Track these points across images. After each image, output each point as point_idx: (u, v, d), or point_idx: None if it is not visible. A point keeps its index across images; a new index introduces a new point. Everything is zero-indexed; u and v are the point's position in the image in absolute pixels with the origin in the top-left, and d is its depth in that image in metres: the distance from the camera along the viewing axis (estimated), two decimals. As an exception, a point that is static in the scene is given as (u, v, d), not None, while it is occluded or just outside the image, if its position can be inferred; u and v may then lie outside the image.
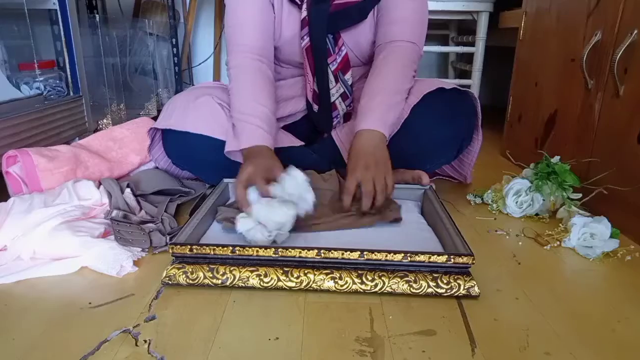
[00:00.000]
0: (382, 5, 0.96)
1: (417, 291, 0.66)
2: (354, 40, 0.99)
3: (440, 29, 2.17)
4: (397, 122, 0.92)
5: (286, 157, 0.97)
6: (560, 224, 0.91)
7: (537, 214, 0.97)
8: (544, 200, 0.95)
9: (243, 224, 0.75)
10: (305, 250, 0.66)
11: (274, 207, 0.74)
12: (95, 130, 1.40)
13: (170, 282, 0.68)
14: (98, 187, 0.90)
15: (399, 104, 0.91)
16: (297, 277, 0.66)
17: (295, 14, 0.97)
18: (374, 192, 0.79)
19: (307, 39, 0.96)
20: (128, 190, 0.91)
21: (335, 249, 0.66)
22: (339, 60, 0.98)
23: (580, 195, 0.94)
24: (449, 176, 1.19)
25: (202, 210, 0.81)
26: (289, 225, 0.75)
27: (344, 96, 1.00)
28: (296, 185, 0.76)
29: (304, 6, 0.94)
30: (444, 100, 0.93)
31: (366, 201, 0.79)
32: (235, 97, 0.92)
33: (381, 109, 0.87)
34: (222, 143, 0.92)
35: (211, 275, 0.67)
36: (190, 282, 0.67)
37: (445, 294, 0.66)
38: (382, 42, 0.96)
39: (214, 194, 0.89)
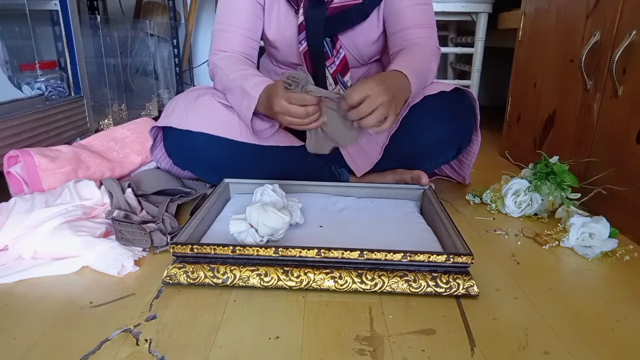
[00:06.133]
0: (391, 12, 0.96)
1: (417, 290, 0.66)
2: (352, 42, 0.99)
3: (439, 29, 2.16)
4: (417, 95, 0.91)
5: (286, 157, 0.98)
6: (559, 224, 0.91)
7: (535, 214, 0.97)
8: (542, 200, 0.96)
9: (235, 225, 0.75)
10: (305, 250, 0.67)
11: (268, 212, 0.74)
12: (97, 131, 1.40)
13: (171, 282, 0.68)
14: (99, 187, 0.90)
15: (423, 81, 0.90)
16: (297, 277, 0.67)
17: (293, 15, 0.97)
18: (368, 115, 0.73)
19: (304, 44, 0.97)
20: (129, 190, 0.91)
21: (335, 249, 0.67)
22: (337, 63, 0.99)
23: (579, 195, 0.94)
24: (448, 176, 1.20)
25: (202, 210, 0.82)
26: (282, 232, 0.76)
27: None
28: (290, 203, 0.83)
29: (301, 10, 0.95)
30: (444, 100, 0.93)
31: (353, 115, 0.74)
32: (224, 71, 0.94)
33: (410, 66, 0.85)
34: (223, 141, 0.93)
35: (212, 274, 0.67)
36: (191, 281, 0.68)
37: (444, 294, 0.66)
38: (399, 45, 0.96)
39: (214, 193, 0.90)
